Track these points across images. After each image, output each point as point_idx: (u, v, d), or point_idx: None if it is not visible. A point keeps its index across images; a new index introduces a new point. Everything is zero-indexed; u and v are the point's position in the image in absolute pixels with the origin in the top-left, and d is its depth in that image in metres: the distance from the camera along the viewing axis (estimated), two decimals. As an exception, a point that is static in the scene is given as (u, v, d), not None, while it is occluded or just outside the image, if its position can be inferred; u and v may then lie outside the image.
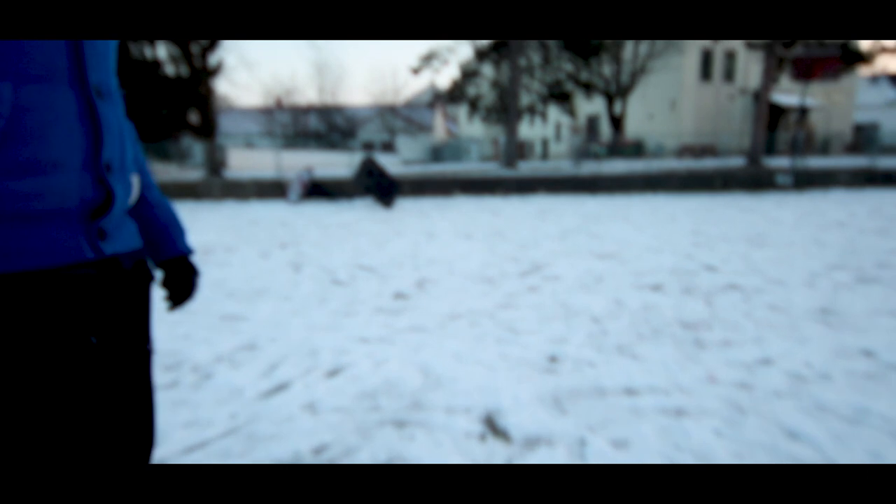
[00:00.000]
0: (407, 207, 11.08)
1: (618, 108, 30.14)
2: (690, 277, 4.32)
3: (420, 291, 4.09)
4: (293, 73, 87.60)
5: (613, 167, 15.40)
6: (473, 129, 49.43)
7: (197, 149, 19.90)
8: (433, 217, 9.24)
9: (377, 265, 5.09)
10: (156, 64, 20.62)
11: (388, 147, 48.10)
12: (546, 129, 43.44)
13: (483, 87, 21.66)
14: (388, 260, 5.33)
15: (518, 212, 9.66)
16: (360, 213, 9.94)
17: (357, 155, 14.87)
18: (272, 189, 13.55)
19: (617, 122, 29.66)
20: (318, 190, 12.79)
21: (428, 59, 18.53)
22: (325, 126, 51.86)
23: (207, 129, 15.06)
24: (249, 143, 49.34)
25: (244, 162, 29.10)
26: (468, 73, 20.12)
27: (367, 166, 10.66)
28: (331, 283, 4.41)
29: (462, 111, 41.16)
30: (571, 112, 20.34)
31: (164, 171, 18.86)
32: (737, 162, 13.88)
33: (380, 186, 10.67)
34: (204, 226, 8.58)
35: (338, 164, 19.84)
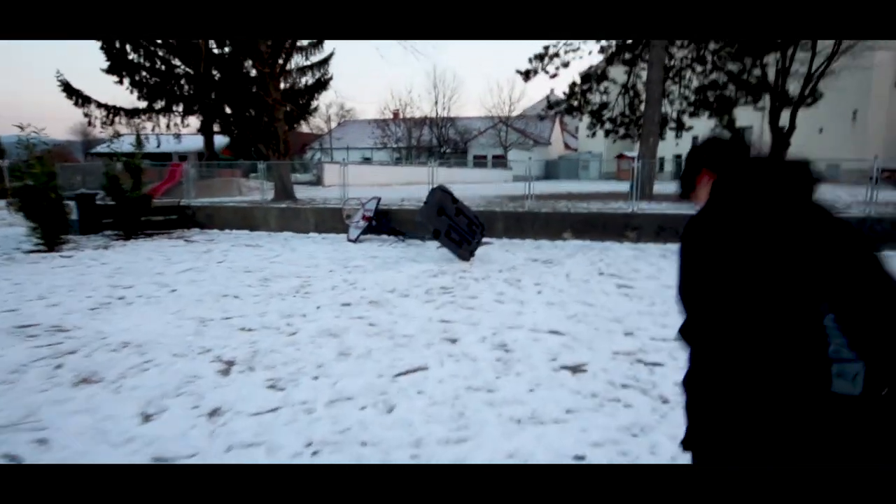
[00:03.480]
0: (493, 257, 7.85)
1: (782, 119, 24.33)
2: None
3: None
4: (410, 87, 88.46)
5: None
6: (593, 143, 44.94)
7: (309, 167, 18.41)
8: (523, 285, 5.92)
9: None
10: (246, 78, 19.58)
11: (501, 161, 45.05)
12: (681, 144, 37.68)
13: (611, 95, 17.70)
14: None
15: (659, 283, 5.98)
16: (422, 269, 6.91)
17: (469, 171, 11.93)
18: (333, 219, 11.03)
19: (783, 138, 23.85)
20: (385, 225, 9.99)
21: (540, 58, 15.05)
22: (437, 139, 50.32)
23: (276, 150, 13.07)
24: (366, 158, 49.09)
25: (340, 178, 27.68)
26: (591, 77, 16.33)
27: (438, 201, 7.57)
28: None
29: (582, 123, 36.96)
30: (730, 123, 15.75)
31: (249, 191, 17.32)
32: None
33: (454, 231, 7.55)
34: (191, 290, 6.05)
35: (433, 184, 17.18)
